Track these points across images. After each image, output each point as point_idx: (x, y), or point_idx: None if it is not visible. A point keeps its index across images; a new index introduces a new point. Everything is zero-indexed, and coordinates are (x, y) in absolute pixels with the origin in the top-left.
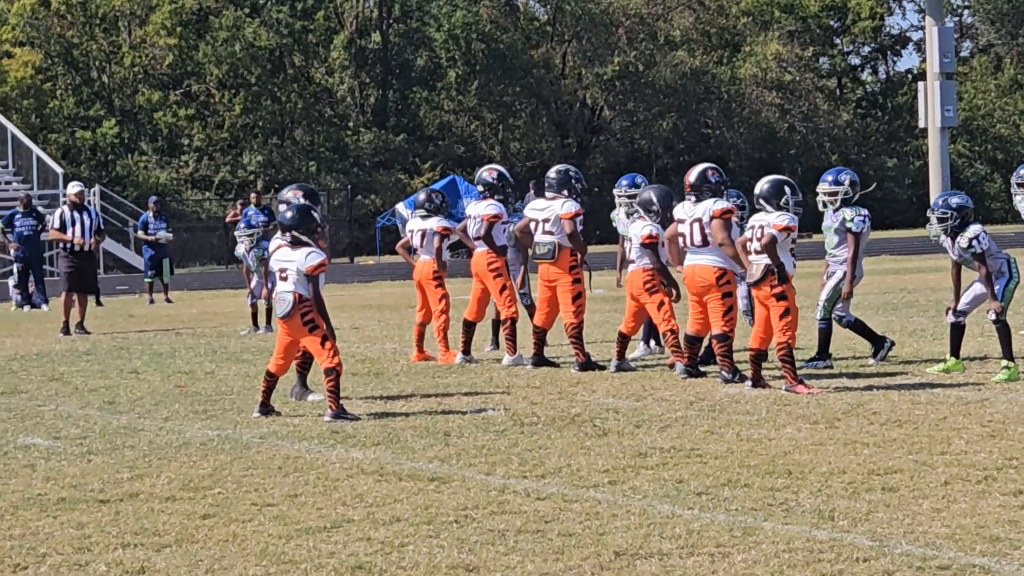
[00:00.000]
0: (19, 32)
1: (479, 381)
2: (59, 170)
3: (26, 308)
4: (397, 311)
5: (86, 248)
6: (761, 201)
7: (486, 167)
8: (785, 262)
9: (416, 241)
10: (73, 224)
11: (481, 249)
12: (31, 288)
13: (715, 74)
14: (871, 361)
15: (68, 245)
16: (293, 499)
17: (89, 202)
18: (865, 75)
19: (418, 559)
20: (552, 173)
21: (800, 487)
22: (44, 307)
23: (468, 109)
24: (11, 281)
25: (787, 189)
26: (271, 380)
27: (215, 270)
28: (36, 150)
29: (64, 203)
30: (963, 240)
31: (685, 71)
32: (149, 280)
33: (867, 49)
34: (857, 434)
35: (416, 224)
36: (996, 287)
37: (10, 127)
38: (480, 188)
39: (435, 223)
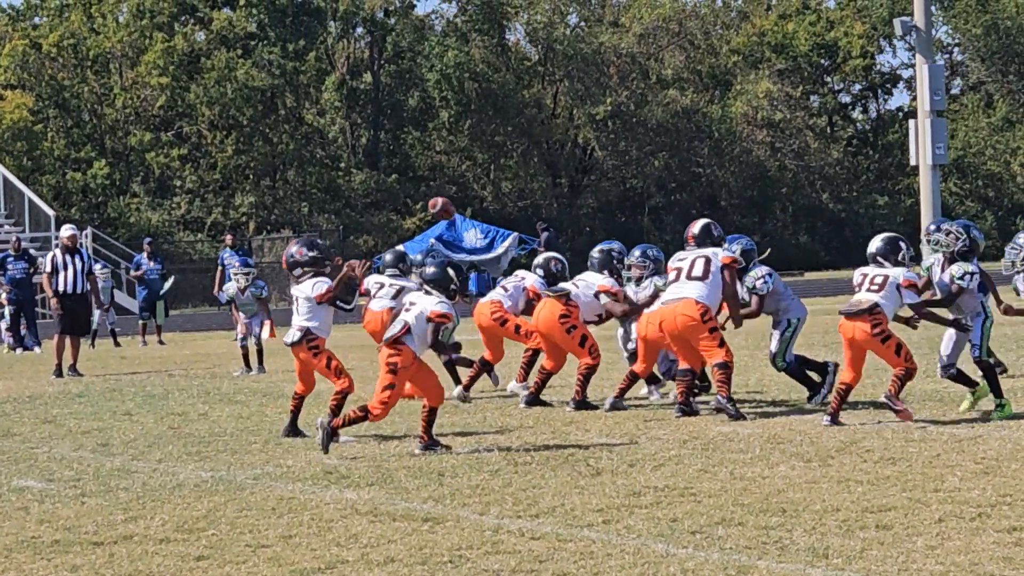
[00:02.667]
0: (11, 75)
1: (472, 421)
2: (51, 213)
3: (18, 351)
4: None
5: (78, 291)
6: (879, 259)
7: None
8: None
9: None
10: (65, 268)
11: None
12: (23, 331)
13: (706, 112)
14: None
15: (60, 289)
16: (287, 540)
17: (81, 245)
18: (856, 113)
19: None
20: (595, 253)
21: (794, 525)
22: (36, 349)
23: (460, 149)
24: (3, 324)
25: (902, 244)
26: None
27: (207, 311)
28: (28, 193)
29: (56, 246)
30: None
31: (676, 110)
32: (143, 321)
33: (858, 87)
34: (851, 472)
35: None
36: (974, 326)
37: (2, 170)
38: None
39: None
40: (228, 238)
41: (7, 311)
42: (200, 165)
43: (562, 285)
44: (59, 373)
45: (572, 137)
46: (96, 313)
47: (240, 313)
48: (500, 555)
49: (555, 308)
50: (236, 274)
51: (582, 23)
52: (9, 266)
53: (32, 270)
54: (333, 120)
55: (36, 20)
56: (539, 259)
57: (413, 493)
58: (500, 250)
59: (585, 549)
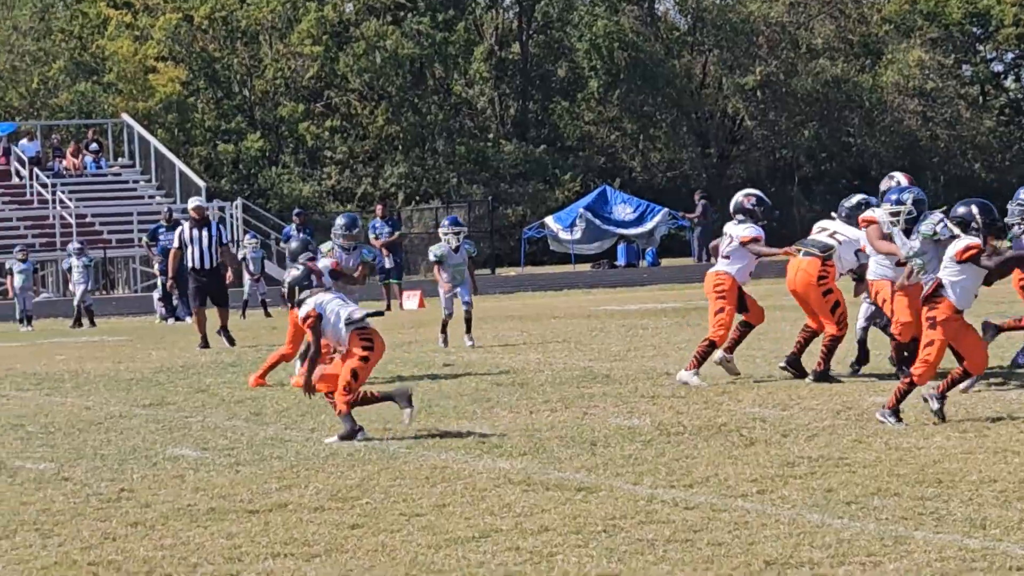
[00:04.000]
0: (163, 47)
1: (624, 391)
2: (201, 184)
3: (170, 321)
4: (539, 321)
5: (207, 266)
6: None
7: (743, 192)
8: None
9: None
10: (193, 242)
11: (714, 269)
12: (175, 301)
13: (857, 82)
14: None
15: (190, 263)
16: (441, 509)
17: (213, 216)
18: (1008, 82)
19: (567, 568)
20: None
21: (951, 496)
22: (188, 320)
23: (609, 119)
24: (155, 294)
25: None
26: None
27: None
28: (179, 164)
29: (185, 220)
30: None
31: (827, 79)
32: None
33: (1010, 56)
34: (1007, 443)
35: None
36: None
37: (154, 142)
38: (740, 216)
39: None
40: (379, 208)
41: (159, 281)
42: (350, 136)
43: (823, 240)
44: (204, 344)
45: (721, 107)
46: (247, 283)
47: (444, 275)
48: (654, 525)
49: (813, 267)
50: (447, 233)
51: None
52: (161, 237)
53: None
54: (482, 91)
55: None
56: (738, 198)
57: (566, 463)
58: (651, 224)
59: (740, 519)
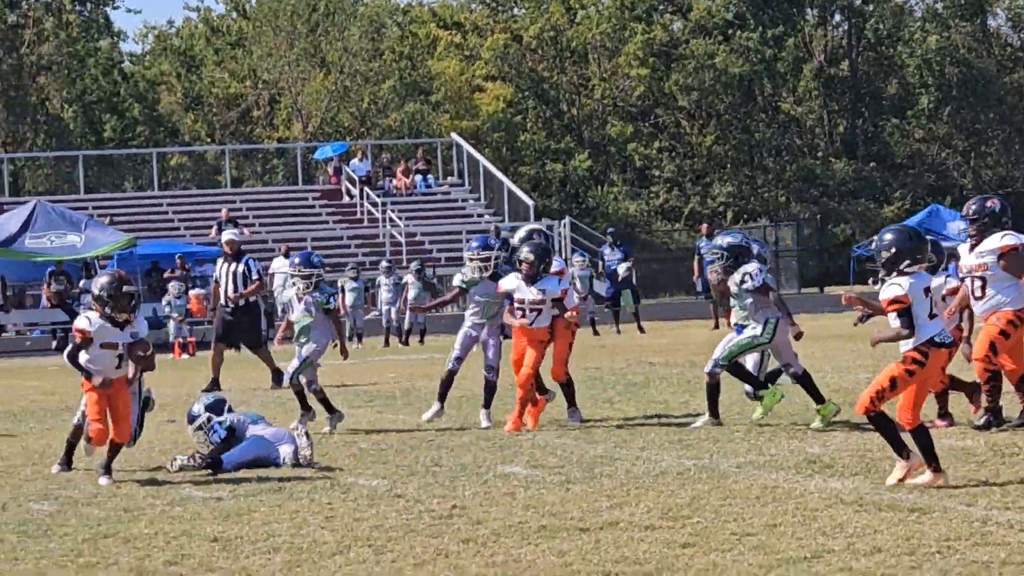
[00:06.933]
0: (491, 67)
1: (957, 411)
2: (530, 202)
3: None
4: (867, 340)
5: (230, 303)
6: None
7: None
8: None
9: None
10: (223, 276)
11: None
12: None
13: None
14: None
15: (221, 298)
16: (772, 528)
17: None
18: None
19: None
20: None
21: None
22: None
23: (939, 136)
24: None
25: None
26: None
27: (684, 300)
28: (507, 182)
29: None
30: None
31: None
32: (615, 310)
33: None
34: None
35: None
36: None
37: (482, 160)
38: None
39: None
40: (704, 227)
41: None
42: (678, 154)
43: None
44: (214, 385)
45: None
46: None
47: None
48: (989, 547)
49: None
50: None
51: None
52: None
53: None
54: (811, 108)
55: (516, 12)
56: None
57: (898, 483)
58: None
59: None
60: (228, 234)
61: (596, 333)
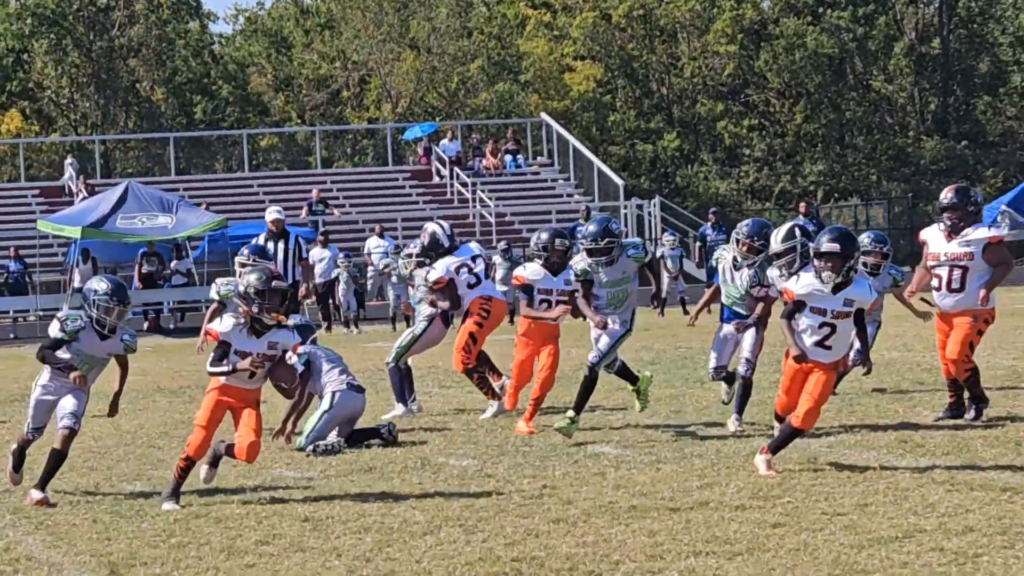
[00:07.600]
0: (580, 46)
1: None
2: (619, 182)
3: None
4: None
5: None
6: None
7: None
8: None
9: None
10: (269, 256)
11: None
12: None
13: None
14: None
15: None
16: (863, 508)
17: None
18: None
19: (993, 570)
20: None
21: None
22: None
23: None
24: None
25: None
26: None
27: None
28: (597, 163)
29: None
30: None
31: None
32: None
33: None
34: None
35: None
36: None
37: (572, 140)
38: None
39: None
40: (802, 206)
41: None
42: (768, 133)
43: None
44: None
45: None
46: (665, 280)
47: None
48: None
49: None
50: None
51: None
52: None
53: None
54: (902, 86)
55: None
56: None
57: (990, 463)
58: None
59: None
60: (273, 212)
61: (686, 312)
